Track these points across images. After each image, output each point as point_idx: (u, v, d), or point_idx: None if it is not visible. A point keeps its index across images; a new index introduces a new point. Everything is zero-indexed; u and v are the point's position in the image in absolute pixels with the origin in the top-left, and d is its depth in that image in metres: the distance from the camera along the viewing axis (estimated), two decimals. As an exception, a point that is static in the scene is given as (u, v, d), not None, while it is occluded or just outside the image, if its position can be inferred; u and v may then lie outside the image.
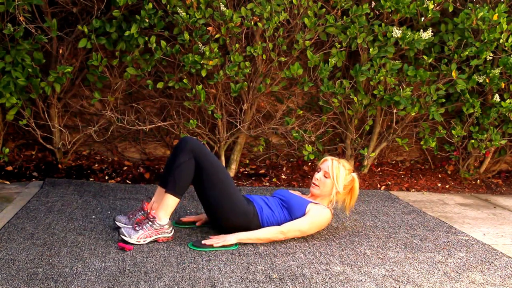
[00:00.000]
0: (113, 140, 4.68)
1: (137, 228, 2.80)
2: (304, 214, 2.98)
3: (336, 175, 3.04)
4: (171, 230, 2.87)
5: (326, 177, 3.06)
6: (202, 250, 2.77)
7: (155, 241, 2.84)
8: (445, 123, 4.74)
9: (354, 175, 3.11)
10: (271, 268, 2.58)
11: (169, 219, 2.87)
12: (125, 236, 2.76)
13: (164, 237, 2.85)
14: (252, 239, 2.89)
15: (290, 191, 3.20)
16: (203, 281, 2.38)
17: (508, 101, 4.32)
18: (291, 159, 4.93)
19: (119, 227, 2.96)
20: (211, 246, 2.79)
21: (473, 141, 4.57)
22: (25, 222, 3.07)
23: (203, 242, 2.82)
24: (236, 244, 2.85)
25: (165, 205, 2.83)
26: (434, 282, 2.54)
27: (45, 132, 4.28)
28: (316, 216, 2.98)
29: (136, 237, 2.77)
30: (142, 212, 3.02)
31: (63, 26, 4.20)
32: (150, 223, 2.81)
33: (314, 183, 3.10)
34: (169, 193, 2.83)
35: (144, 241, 2.78)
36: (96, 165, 4.47)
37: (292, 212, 2.99)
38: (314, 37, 4.18)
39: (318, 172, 3.11)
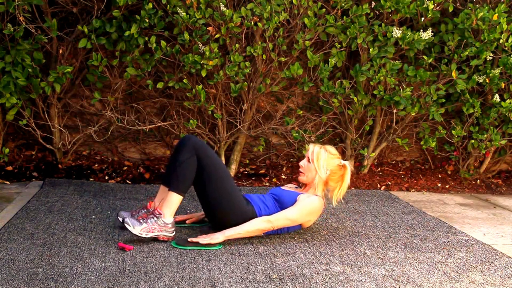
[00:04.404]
0: (113, 140, 4.69)
1: (141, 221, 2.79)
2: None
3: (317, 157, 3.02)
4: (173, 231, 2.87)
5: (309, 162, 3.06)
6: (184, 249, 2.76)
7: (156, 239, 2.84)
8: (445, 123, 4.74)
9: (347, 163, 3.07)
10: (271, 268, 2.58)
11: (173, 218, 2.87)
12: (129, 225, 2.73)
13: (165, 235, 2.84)
14: (240, 233, 2.87)
15: (282, 187, 3.20)
16: (203, 281, 2.38)
17: (508, 101, 4.32)
18: (291, 159, 4.93)
19: (122, 219, 2.93)
20: (196, 244, 2.79)
21: (473, 141, 4.57)
22: (25, 222, 3.07)
23: (189, 240, 2.82)
24: (220, 244, 2.84)
25: (169, 203, 2.84)
26: (434, 282, 2.54)
27: (45, 132, 4.28)
28: (305, 203, 2.97)
29: (140, 228, 2.75)
30: (145, 210, 3.02)
31: (63, 26, 4.20)
32: (155, 218, 2.81)
33: (299, 171, 3.10)
34: (172, 191, 2.84)
35: (146, 234, 2.76)
36: (96, 165, 4.47)
37: (284, 207, 2.99)
38: (314, 37, 4.18)
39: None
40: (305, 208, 2.98)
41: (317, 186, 3.06)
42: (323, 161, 3.02)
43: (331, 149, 3.09)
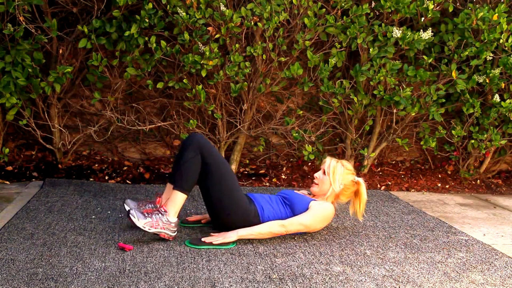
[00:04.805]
0: (113, 140, 4.68)
1: (146, 215, 2.80)
2: (306, 210, 3.00)
3: (333, 171, 3.06)
4: (175, 231, 2.87)
5: (324, 175, 3.09)
6: (199, 248, 2.77)
7: (157, 236, 2.84)
8: (445, 123, 4.74)
9: (361, 180, 3.11)
10: (271, 268, 2.58)
11: (177, 218, 2.87)
12: (134, 217, 2.73)
13: (167, 234, 2.84)
14: (253, 234, 2.89)
15: (295, 190, 3.22)
16: (203, 281, 2.38)
17: (508, 101, 4.32)
18: (291, 159, 4.93)
19: (128, 210, 2.93)
20: (210, 243, 2.80)
21: (473, 141, 4.57)
22: (25, 222, 3.07)
23: (202, 239, 2.83)
24: (234, 243, 2.86)
25: (173, 202, 2.84)
26: (434, 282, 2.54)
27: (45, 132, 4.28)
28: (318, 210, 2.99)
29: (144, 222, 2.75)
30: (152, 205, 3.02)
31: (63, 26, 4.20)
32: (160, 215, 2.81)
33: (313, 182, 3.14)
34: (176, 190, 2.85)
35: (149, 229, 2.76)
36: (96, 165, 4.47)
37: (294, 209, 3.00)
38: (314, 37, 4.18)
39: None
40: (319, 215, 2.99)
41: (328, 197, 3.10)
42: (339, 176, 3.07)
43: (347, 164, 3.13)
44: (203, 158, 2.87)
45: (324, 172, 3.10)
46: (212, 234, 2.91)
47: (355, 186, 3.12)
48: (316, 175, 3.13)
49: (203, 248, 2.77)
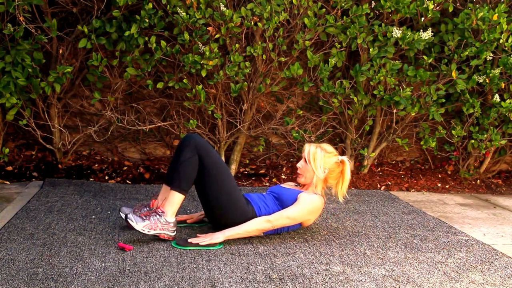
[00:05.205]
0: (113, 140, 4.69)
1: (144, 218, 2.80)
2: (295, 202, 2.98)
3: (313, 158, 2.99)
4: (175, 231, 2.87)
5: (306, 163, 3.04)
6: (185, 249, 2.76)
7: (156, 238, 2.84)
8: (445, 123, 4.74)
9: (345, 158, 3.05)
10: (271, 268, 2.58)
11: (175, 218, 2.87)
12: (132, 221, 2.73)
13: (166, 234, 2.84)
14: (240, 233, 2.87)
15: (282, 185, 3.20)
16: (203, 281, 2.38)
17: (508, 101, 4.32)
18: (291, 159, 4.93)
19: (125, 215, 2.92)
20: (197, 244, 2.79)
21: (473, 141, 4.57)
22: (25, 222, 3.08)
23: (189, 240, 2.82)
24: (220, 244, 2.85)
25: (170, 202, 2.84)
26: (434, 282, 2.54)
27: (45, 132, 4.28)
28: (305, 202, 2.96)
29: (143, 225, 2.75)
30: (148, 208, 3.02)
31: (63, 26, 4.20)
32: (157, 216, 2.81)
33: (297, 173, 3.09)
34: (174, 190, 2.84)
35: (148, 231, 2.76)
36: (96, 165, 4.47)
37: (284, 204, 2.99)
38: (314, 37, 4.18)
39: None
40: (305, 207, 2.97)
41: (317, 185, 3.06)
42: (319, 161, 3.00)
43: (327, 147, 3.06)
44: (201, 158, 2.86)
45: (305, 161, 3.04)
46: (198, 235, 2.90)
47: (340, 167, 3.04)
48: (298, 165, 3.07)
49: (189, 249, 2.76)
